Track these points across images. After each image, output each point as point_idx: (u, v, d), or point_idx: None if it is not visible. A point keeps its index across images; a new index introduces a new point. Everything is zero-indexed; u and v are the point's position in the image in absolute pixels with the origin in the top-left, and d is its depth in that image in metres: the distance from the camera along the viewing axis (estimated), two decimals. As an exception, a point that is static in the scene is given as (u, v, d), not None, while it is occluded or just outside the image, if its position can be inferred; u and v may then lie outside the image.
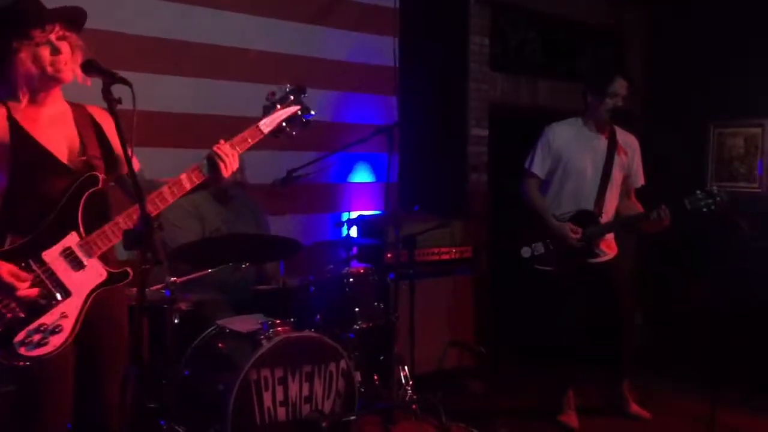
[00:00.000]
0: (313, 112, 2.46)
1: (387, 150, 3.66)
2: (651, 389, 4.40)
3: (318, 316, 3.52)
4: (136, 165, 2.27)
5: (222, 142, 2.32)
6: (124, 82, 2.10)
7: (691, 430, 3.66)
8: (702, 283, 5.07)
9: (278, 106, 2.42)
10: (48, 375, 2.14)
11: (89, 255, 2.19)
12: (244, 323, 3.20)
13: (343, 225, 4.17)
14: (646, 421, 4.01)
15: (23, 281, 2.08)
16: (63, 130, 2.26)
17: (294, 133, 2.45)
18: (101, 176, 2.25)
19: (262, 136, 2.38)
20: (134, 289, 2.11)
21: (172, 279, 3.05)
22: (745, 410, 4.12)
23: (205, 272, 3.25)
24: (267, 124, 2.39)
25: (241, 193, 3.80)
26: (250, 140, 2.36)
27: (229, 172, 2.29)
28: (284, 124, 2.43)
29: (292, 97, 2.45)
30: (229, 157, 2.28)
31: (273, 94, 2.43)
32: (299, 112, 2.45)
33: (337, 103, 4.62)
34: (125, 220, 2.20)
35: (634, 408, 4.07)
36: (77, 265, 2.17)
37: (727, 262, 4.88)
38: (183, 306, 3.20)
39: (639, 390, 4.20)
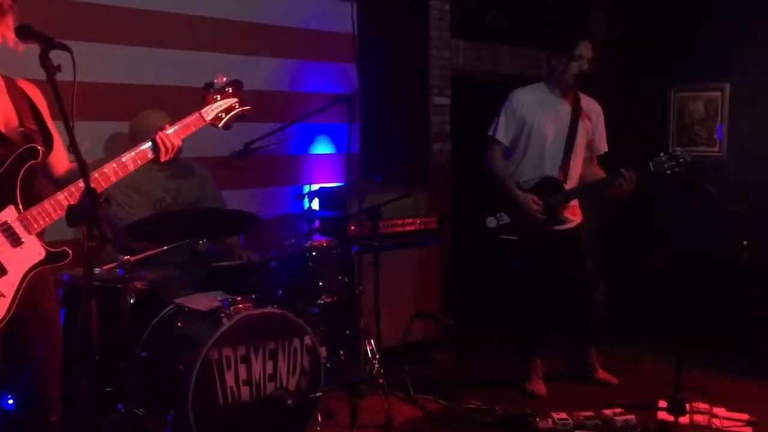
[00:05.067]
0: (248, 107, 2.57)
1: (347, 120, 3.57)
2: (616, 354, 4.43)
3: (280, 292, 3.44)
4: (58, 139, 2.23)
5: (167, 127, 2.34)
6: (63, 47, 1.97)
7: (657, 393, 3.68)
8: (663, 247, 5.10)
9: (218, 97, 2.50)
10: None
11: (28, 231, 2.07)
12: (203, 301, 3.10)
13: (304, 198, 4.06)
14: (612, 386, 4.03)
15: None
16: None
17: (230, 124, 2.54)
18: (41, 149, 2.13)
19: (203, 124, 2.46)
20: (79, 269, 1.99)
21: (126, 257, 2.91)
22: (708, 370, 4.17)
23: (160, 250, 3.12)
24: (208, 113, 2.47)
25: (185, 157, 3.66)
26: (192, 127, 2.43)
27: (165, 159, 2.34)
28: (222, 114, 2.51)
29: (230, 89, 2.54)
30: (173, 146, 2.34)
31: (210, 84, 2.51)
32: (236, 105, 2.54)
33: (294, 71, 4.49)
34: (67, 196, 2.09)
35: (601, 374, 4.09)
36: (15, 241, 2.05)
37: (688, 224, 4.91)
38: (138, 285, 3.10)
39: (605, 356, 4.22)
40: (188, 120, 2.41)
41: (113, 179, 2.20)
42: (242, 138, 3.73)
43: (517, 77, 5.12)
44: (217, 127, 2.52)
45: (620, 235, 5.66)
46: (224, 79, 2.53)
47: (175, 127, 2.36)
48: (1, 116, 2.10)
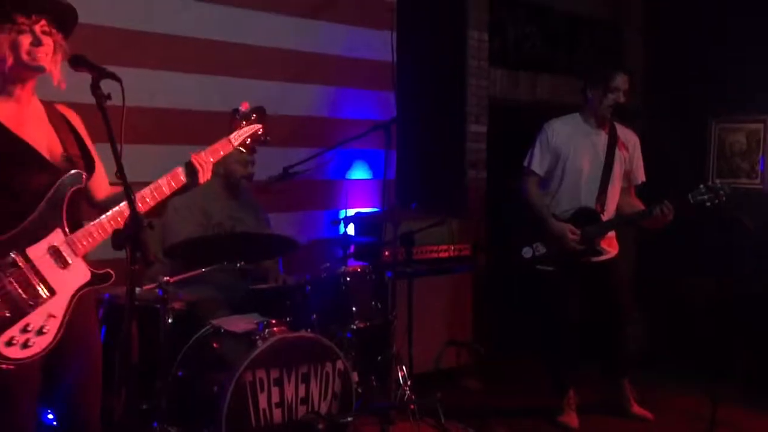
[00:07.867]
0: (268, 138, 2.62)
1: (384, 146, 3.60)
2: (652, 387, 4.36)
3: (314, 316, 3.46)
4: (99, 164, 2.31)
5: (200, 151, 2.39)
6: (113, 77, 2.06)
7: (692, 429, 3.62)
8: (703, 280, 5.03)
9: (243, 123, 2.54)
10: (18, 380, 2.06)
11: (74, 253, 2.14)
12: (239, 323, 3.14)
13: (340, 222, 4.11)
14: (647, 421, 3.96)
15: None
16: (40, 127, 2.21)
17: (255, 149, 2.60)
18: (85, 174, 2.21)
19: (232, 149, 2.50)
20: (120, 289, 2.05)
21: (165, 278, 2.98)
22: (745, 406, 4.08)
23: (199, 271, 3.19)
24: (235, 138, 2.51)
25: (248, 188, 3.75)
26: (222, 151, 2.46)
27: (204, 180, 2.37)
28: (248, 140, 2.55)
29: (254, 116, 2.57)
30: (207, 166, 2.36)
31: (236, 111, 2.56)
32: (260, 131, 2.57)
33: (333, 98, 4.57)
34: (110, 219, 2.16)
35: (636, 408, 4.02)
36: (63, 263, 2.13)
37: (728, 258, 4.84)
38: (177, 306, 3.15)
39: (640, 389, 4.15)
40: (218, 144, 2.46)
41: (152, 203, 2.26)
42: (281, 162, 3.81)
43: (554, 105, 5.14)
44: (242, 152, 2.58)
45: (657, 267, 5.59)
46: (248, 106, 2.58)
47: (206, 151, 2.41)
48: (45, 143, 2.18)
